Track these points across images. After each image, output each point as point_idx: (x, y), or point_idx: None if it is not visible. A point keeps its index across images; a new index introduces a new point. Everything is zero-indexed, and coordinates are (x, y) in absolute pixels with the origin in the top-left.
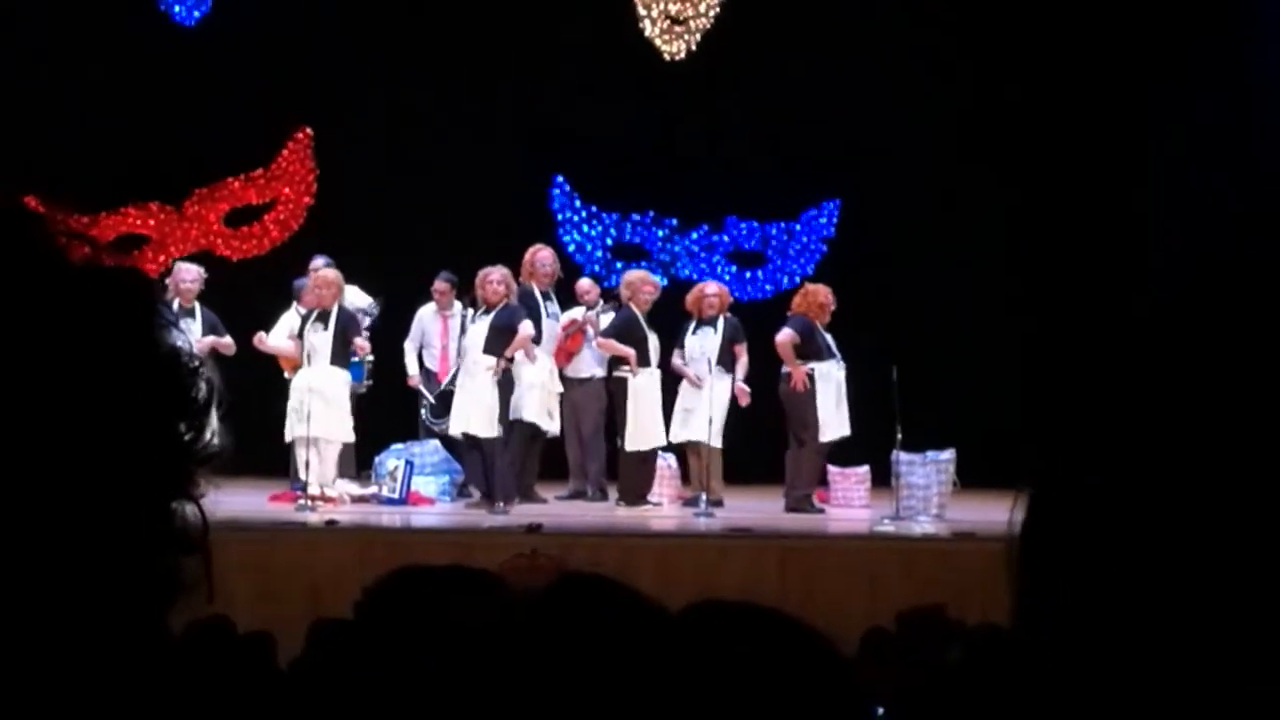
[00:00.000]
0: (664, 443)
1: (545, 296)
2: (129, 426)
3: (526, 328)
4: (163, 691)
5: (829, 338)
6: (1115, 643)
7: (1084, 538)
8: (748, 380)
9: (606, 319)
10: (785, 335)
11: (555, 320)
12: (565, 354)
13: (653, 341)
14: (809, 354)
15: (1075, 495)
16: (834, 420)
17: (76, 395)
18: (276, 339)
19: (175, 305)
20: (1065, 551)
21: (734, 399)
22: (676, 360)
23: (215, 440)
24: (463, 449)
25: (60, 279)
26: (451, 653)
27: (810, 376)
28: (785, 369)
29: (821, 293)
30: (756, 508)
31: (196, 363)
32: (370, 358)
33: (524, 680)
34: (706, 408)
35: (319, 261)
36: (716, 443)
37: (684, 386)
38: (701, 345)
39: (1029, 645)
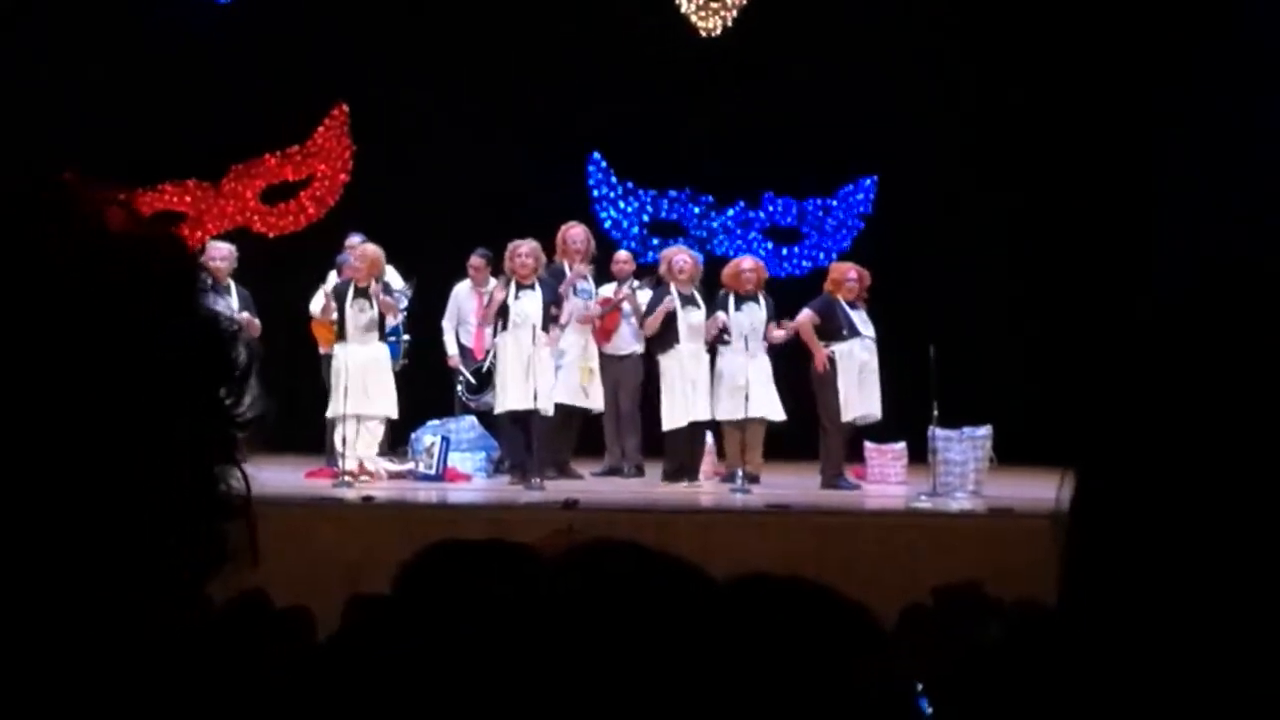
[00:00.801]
0: (703, 418)
1: (579, 273)
2: (170, 392)
3: (575, 301)
4: (200, 662)
5: (855, 315)
6: (1162, 622)
7: (1134, 517)
8: (786, 354)
9: (644, 296)
10: (803, 316)
11: (588, 297)
12: (604, 332)
13: (689, 318)
14: (828, 334)
15: (1126, 474)
16: (855, 400)
17: (118, 361)
18: (316, 306)
19: (209, 284)
20: (1114, 530)
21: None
22: (711, 327)
23: (256, 407)
24: (500, 425)
25: (100, 246)
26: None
27: (830, 358)
28: (829, 348)
29: (842, 270)
30: (794, 484)
31: (235, 328)
32: (407, 337)
33: (561, 647)
34: (758, 382)
35: (355, 239)
36: (772, 416)
37: (730, 363)
38: (750, 320)
39: (1075, 622)
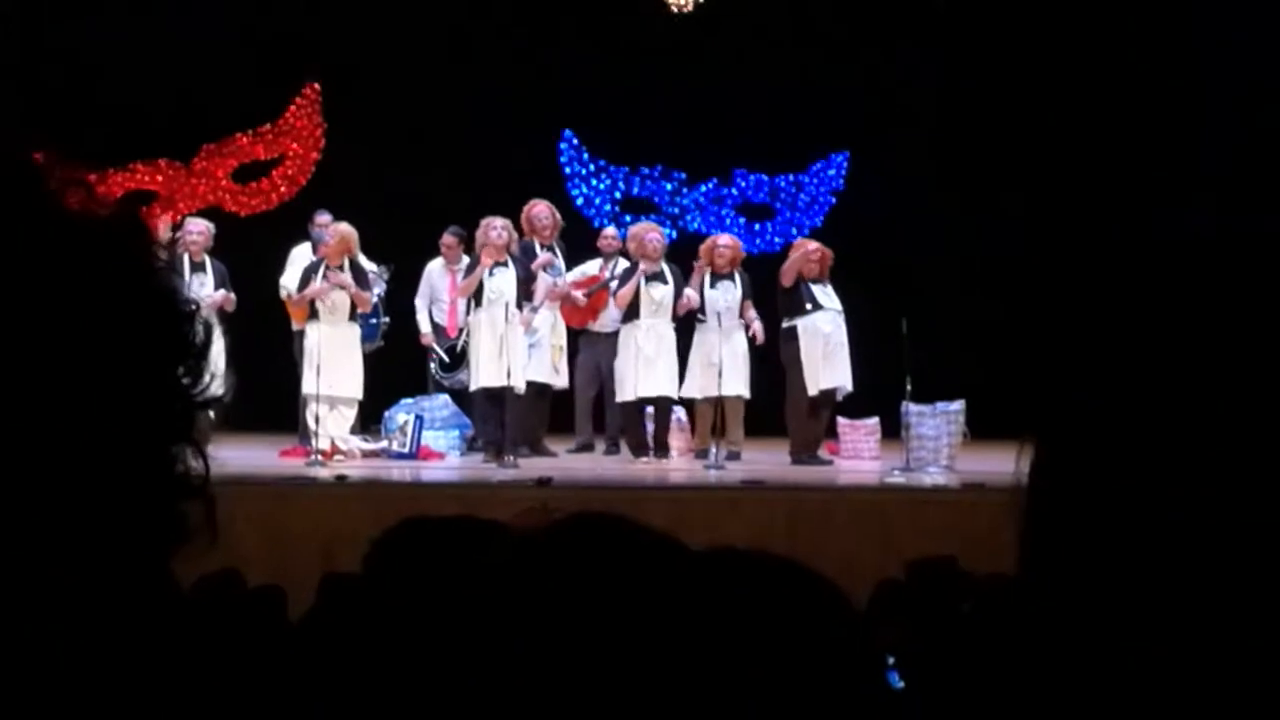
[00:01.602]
0: (654, 393)
1: (548, 250)
2: (126, 370)
3: (545, 279)
4: (170, 640)
5: (818, 289)
6: (1122, 593)
7: (1091, 487)
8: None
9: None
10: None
11: (556, 274)
12: (591, 310)
13: (652, 292)
14: (791, 309)
15: (1082, 444)
16: (823, 373)
17: (71, 339)
18: (290, 279)
19: (185, 260)
20: (1072, 501)
21: (751, 348)
22: (682, 306)
23: (216, 385)
24: (473, 402)
25: (52, 222)
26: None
27: (793, 330)
28: (784, 324)
29: (806, 246)
30: (768, 459)
31: (193, 306)
32: (386, 319)
33: (535, 620)
34: (731, 360)
35: (323, 216)
36: (744, 393)
37: (703, 340)
38: (724, 298)
39: (1035, 595)
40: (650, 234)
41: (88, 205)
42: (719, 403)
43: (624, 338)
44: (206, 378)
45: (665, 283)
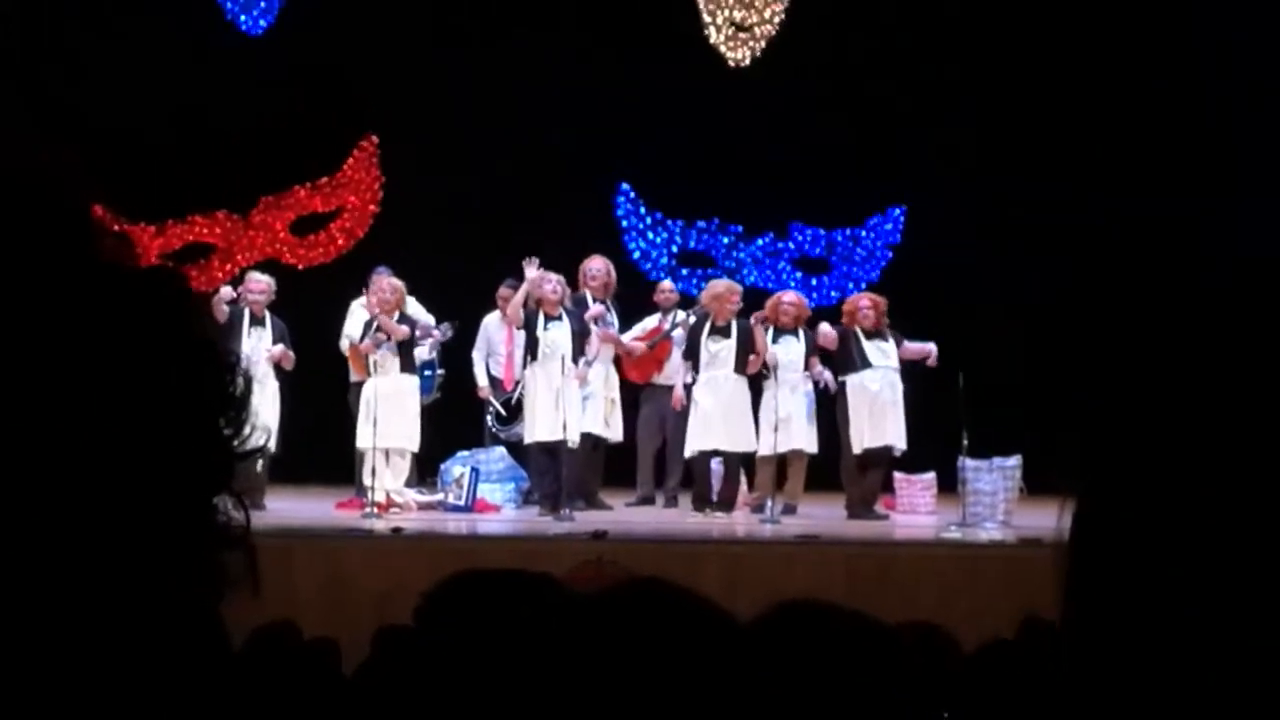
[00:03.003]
0: (711, 447)
1: (600, 303)
2: (166, 421)
3: (597, 333)
4: (215, 691)
5: (870, 345)
6: (1165, 650)
7: (1133, 543)
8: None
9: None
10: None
11: (609, 328)
12: (656, 362)
13: (710, 346)
14: (841, 366)
15: (1124, 499)
16: (867, 431)
17: (113, 390)
18: (353, 328)
19: (246, 315)
20: (1114, 557)
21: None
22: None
23: (258, 436)
24: (529, 455)
25: (96, 274)
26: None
27: (843, 387)
28: (836, 380)
29: (854, 300)
30: (826, 514)
31: (233, 358)
32: (441, 371)
33: (583, 683)
34: (794, 415)
35: (382, 271)
36: (807, 448)
37: (774, 396)
38: (787, 353)
39: (1078, 649)
40: (734, 296)
41: (126, 258)
42: (781, 458)
43: (693, 393)
44: (247, 429)
45: (727, 337)
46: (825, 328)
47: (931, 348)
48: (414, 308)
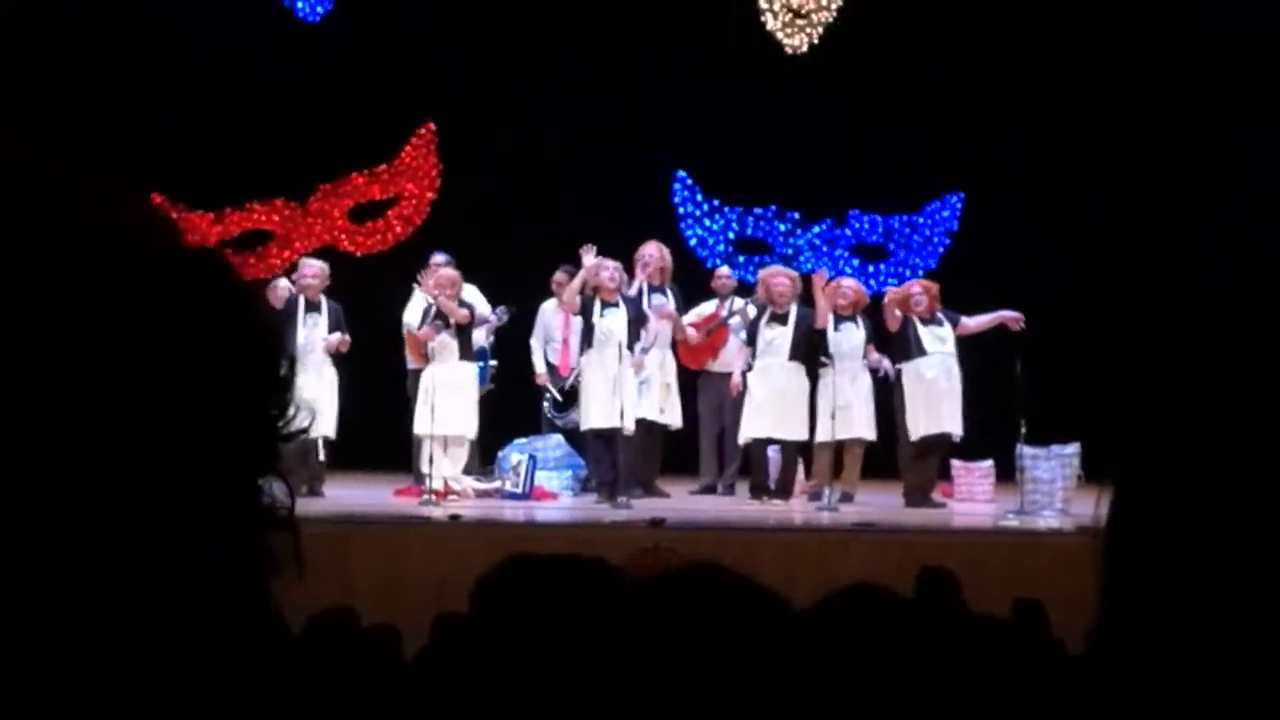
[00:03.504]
0: (767, 435)
1: (654, 290)
2: (211, 401)
3: (654, 319)
4: (266, 673)
5: (925, 331)
6: (1200, 641)
7: (1170, 532)
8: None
9: (751, 313)
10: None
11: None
12: (711, 348)
13: (769, 334)
14: (897, 353)
15: (1162, 488)
16: (924, 420)
17: (157, 370)
18: (412, 315)
19: (301, 301)
20: (1151, 546)
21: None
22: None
23: (302, 418)
24: (586, 443)
25: (143, 256)
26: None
27: (899, 375)
28: (893, 368)
29: (906, 288)
30: (883, 502)
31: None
32: (494, 362)
33: (637, 667)
34: (853, 402)
35: (439, 258)
36: (866, 435)
37: (833, 383)
38: (847, 340)
39: (1113, 642)
40: (777, 278)
41: (172, 239)
42: (838, 445)
43: (749, 380)
44: (292, 409)
45: (784, 324)
46: (877, 358)
47: (1007, 314)
48: (472, 294)
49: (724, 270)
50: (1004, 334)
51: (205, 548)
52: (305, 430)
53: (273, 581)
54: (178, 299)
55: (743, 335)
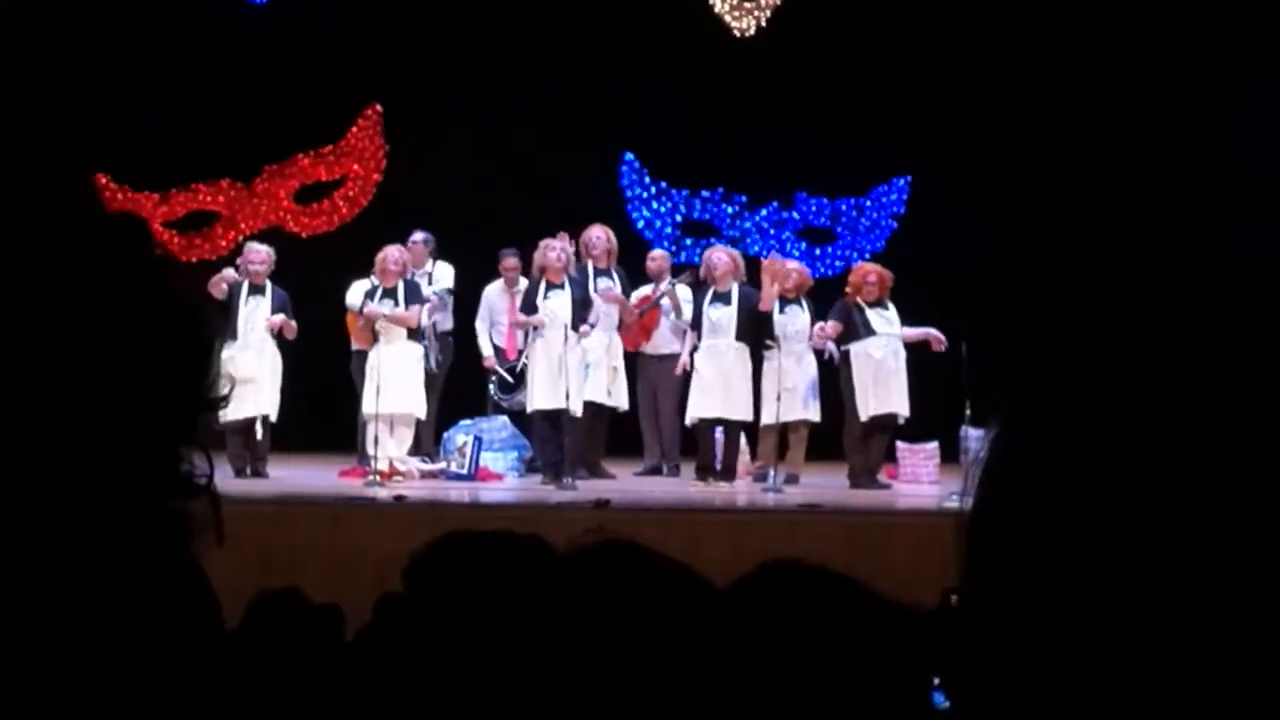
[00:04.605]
0: (711, 415)
1: (600, 273)
2: (127, 367)
3: (598, 300)
4: (185, 638)
5: (873, 314)
6: (1062, 622)
7: (1032, 511)
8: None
9: (684, 292)
10: (830, 328)
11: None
12: (644, 330)
13: (712, 315)
14: (845, 335)
15: (1024, 467)
16: (873, 400)
17: (74, 335)
18: (354, 297)
19: (245, 284)
20: (1013, 525)
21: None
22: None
23: (221, 385)
24: (532, 424)
25: (61, 223)
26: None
27: (846, 356)
28: (839, 350)
29: (862, 273)
30: (828, 483)
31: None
32: (438, 350)
33: (564, 643)
34: (798, 384)
35: (419, 236)
36: (809, 417)
37: (779, 365)
38: (792, 323)
39: (975, 621)
40: (716, 254)
41: (91, 203)
42: (783, 427)
43: (695, 360)
44: (210, 377)
45: (727, 304)
46: (823, 326)
47: (933, 332)
48: (445, 273)
49: (657, 253)
50: (951, 316)
51: (122, 510)
52: (226, 399)
53: (196, 548)
54: (92, 263)
55: (672, 316)
